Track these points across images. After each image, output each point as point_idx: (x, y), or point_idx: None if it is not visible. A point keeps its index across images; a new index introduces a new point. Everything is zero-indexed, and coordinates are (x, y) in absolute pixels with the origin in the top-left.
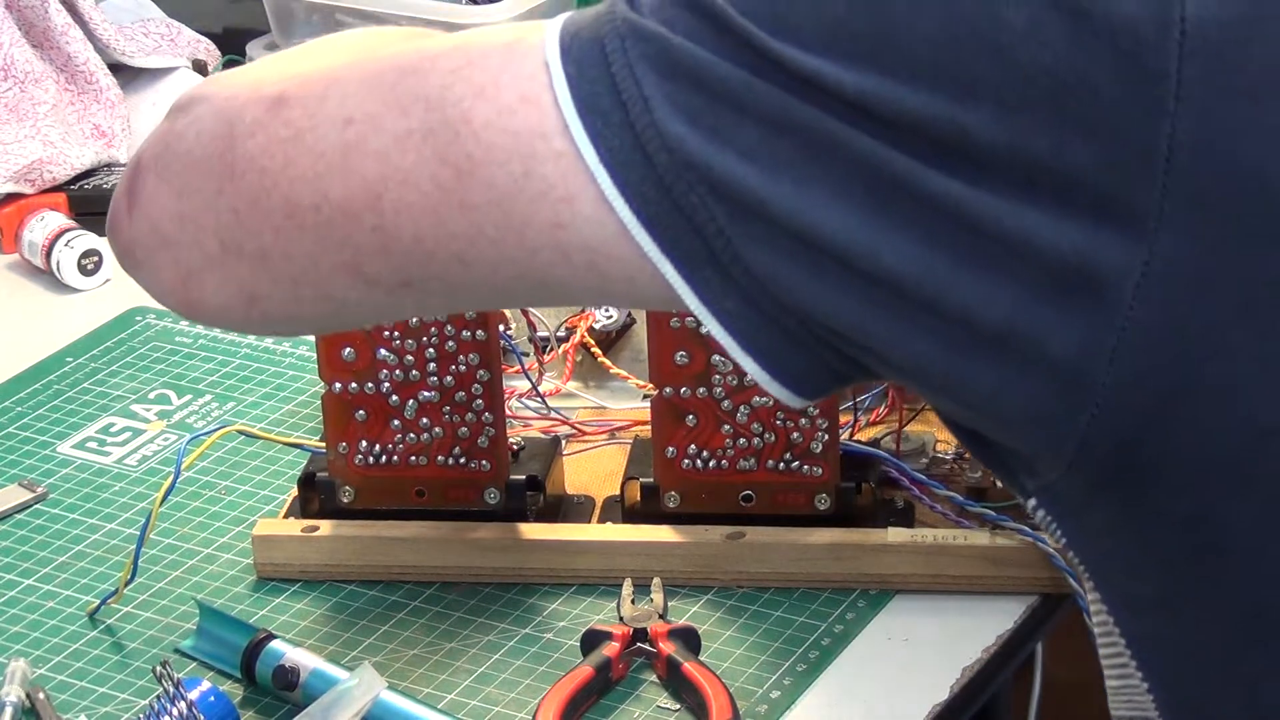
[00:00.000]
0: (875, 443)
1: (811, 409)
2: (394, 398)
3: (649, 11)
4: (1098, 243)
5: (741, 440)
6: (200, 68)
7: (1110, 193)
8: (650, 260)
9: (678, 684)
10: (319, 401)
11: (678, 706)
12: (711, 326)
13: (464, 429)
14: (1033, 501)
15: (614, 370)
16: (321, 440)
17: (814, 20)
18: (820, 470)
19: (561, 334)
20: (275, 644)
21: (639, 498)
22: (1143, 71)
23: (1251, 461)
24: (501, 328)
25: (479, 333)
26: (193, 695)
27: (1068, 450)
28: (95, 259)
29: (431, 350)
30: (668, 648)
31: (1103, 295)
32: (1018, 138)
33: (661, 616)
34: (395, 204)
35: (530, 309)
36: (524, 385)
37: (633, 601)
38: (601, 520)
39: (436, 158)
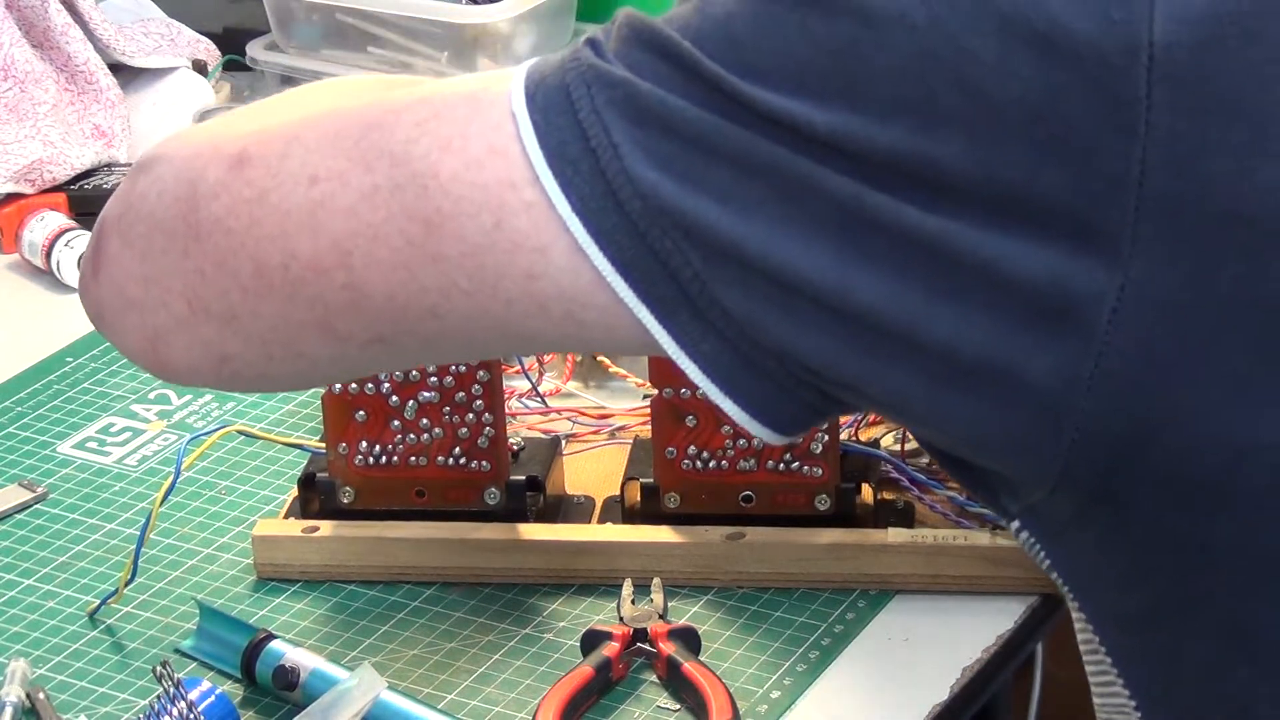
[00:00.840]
0: (875, 443)
1: None
2: (394, 398)
3: (614, 57)
4: (1072, 269)
5: (741, 441)
6: (200, 68)
7: (1084, 219)
8: (627, 307)
9: (678, 684)
10: (319, 401)
11: (678, 706)
12: (689, 370)
13: (464, 429)
14: (1016, 523)
15: (614, 370)
16: (321, 440)
17: (782, 62)
18: (820, 471)
19: None
20: (275, 644)
21: (639, 498)
22: (1112, 98)
23: (1230, 480)
24: None
25: None
26: (193, 695)
27: (1050, 475)
28: None
29: None
30: (668, 648)
31: (1079, 322)
32: (990, 168)
33: (661, 617)
34: (365, 260)
35: None
36: (524, 385)
37: (633, 602)
38: (601, 521)
39: (405, 213)
